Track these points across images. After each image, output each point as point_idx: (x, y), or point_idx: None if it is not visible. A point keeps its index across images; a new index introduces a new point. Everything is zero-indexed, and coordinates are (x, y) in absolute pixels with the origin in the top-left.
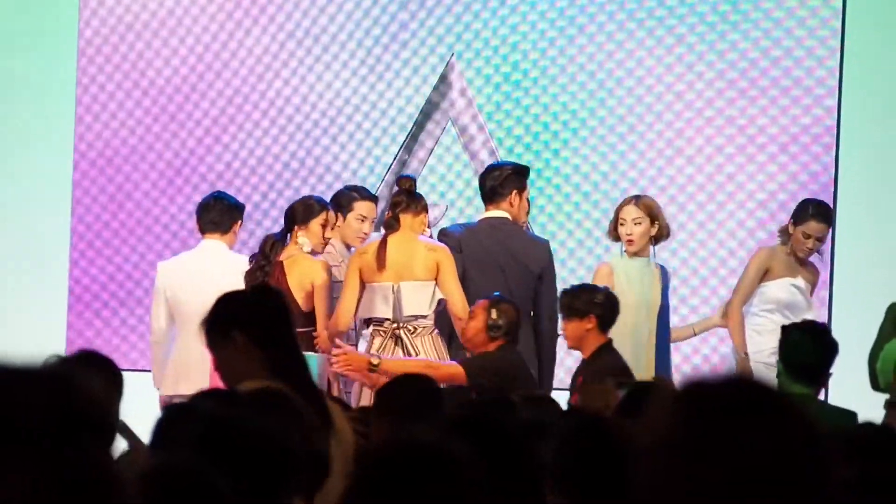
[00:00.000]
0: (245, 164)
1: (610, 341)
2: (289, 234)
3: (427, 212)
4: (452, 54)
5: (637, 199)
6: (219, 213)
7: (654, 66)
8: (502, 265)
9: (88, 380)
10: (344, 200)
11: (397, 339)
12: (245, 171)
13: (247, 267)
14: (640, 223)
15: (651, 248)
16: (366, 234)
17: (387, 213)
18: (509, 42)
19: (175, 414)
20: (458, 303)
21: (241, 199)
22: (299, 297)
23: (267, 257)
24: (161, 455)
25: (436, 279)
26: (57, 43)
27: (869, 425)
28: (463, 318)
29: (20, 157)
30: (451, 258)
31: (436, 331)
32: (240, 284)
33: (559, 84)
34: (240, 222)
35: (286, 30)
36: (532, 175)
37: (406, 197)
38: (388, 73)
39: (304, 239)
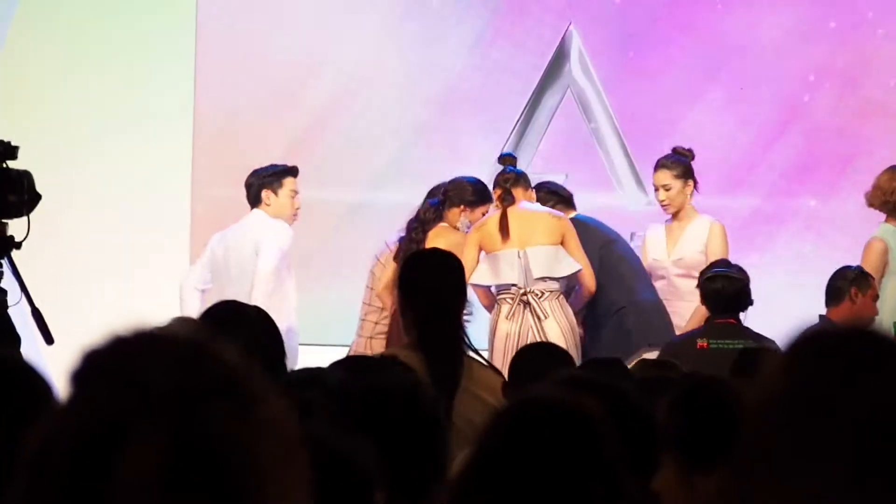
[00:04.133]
0: (362, 139)
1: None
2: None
3: (532, 188)
4: (570, 23)
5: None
6: (248, 191)
7: (770, 28)
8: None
9: (224, 345)
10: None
11: (526, 304)
12: (363, 148)
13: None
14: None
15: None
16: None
17: (496, 190)
18: (626, 9)
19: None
20: (587, 274)
21: (358, 174)
22: None
23: (423, 224)
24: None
25: (561, 244)
26: (176, 24)
27: None
28: (592, 290)
29: (140, 141)
30: (573, 230)
31: (562, 295)
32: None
33: (674, 51)
34: (267, 190)
35: (401, 3)
36: (645, 143)
37: (514, 172)
38: (504, 42)
39: (464, 220)
